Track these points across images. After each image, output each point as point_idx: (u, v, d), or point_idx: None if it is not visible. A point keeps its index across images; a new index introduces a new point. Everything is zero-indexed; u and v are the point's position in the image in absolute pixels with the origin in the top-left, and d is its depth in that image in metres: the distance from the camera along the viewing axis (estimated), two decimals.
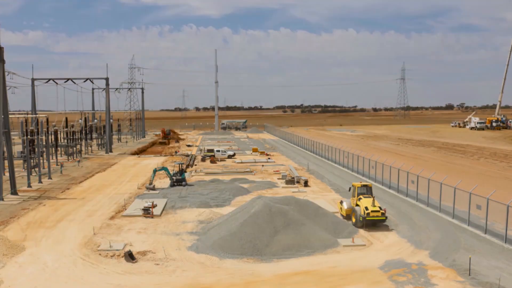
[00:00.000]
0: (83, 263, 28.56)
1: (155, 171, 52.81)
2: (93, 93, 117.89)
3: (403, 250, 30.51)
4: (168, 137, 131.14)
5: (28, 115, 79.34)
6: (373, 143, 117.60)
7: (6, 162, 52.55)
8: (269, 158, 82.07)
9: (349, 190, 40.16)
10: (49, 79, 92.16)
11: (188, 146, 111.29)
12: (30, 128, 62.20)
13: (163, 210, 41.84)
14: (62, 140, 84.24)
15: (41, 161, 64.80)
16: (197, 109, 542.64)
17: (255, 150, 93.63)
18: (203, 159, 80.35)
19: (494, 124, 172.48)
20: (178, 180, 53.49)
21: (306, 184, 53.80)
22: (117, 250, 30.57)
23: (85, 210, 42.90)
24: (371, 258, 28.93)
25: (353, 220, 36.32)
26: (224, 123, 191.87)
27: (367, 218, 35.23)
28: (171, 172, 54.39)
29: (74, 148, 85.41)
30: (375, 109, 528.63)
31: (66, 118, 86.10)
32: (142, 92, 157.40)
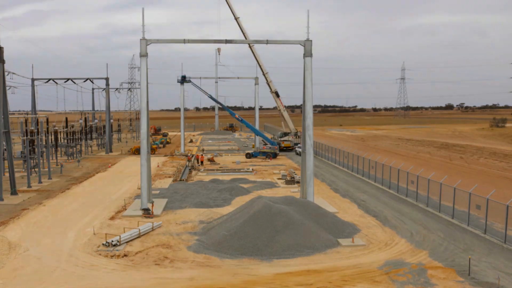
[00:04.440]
0: (83, 263, 28.57)
1: None
2: (93, 93, 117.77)
3: (403, 250, 30.54)
4: (158, 133, 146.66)
5: (28, 115, 79.37)
6: (373, 143, 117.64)
7: (6, 162, 52.54)
8: (270, 159, 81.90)
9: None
10: (49, 79, 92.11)
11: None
12: (30, 128, 62.24)
13: (163, 210, 41.88)
14: (62, 140, 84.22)
15: (41, 161, 64.82)
16: (197, 109, 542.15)
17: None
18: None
19: None
20: None
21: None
22: (117, 250, 30.61)
23: (85, 210, 42.91)
24: (371, 258, 28.96)
25: None
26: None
27: None
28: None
29: (74, 148, 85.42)
30: (375, 109, 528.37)
31: (66, 118, 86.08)
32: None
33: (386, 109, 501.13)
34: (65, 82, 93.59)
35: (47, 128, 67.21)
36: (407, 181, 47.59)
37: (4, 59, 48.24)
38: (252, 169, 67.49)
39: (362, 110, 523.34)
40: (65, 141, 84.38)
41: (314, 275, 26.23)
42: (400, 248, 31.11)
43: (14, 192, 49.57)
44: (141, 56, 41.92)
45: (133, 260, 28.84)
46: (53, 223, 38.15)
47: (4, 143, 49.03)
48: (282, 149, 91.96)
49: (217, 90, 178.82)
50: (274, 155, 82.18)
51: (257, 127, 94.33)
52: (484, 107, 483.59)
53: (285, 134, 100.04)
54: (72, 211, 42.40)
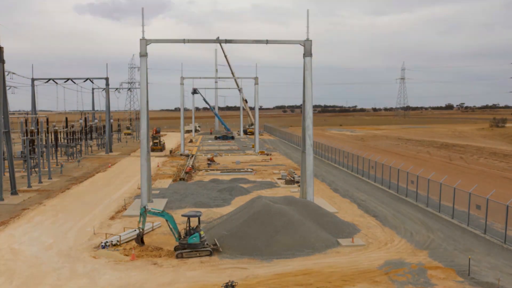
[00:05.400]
0: (83, 262, 28.58)
1: (143, 213, 31.46)
2: (93, 93, 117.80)
3: (403, 250, 30.56)
4: (158, 134, 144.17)
5: (28, 115, 79.39)
6: (373, 143, 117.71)
7: (6, 162, 52.54)
8: (270, 159, 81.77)
9: None
10: (49, 79, 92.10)
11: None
12: (30, 128, 62.22)
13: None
14: (62, 140, 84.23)
15: (41, 161, 64.82)
16: (197, 109, 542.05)
17: (253, 147, 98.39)
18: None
19: None
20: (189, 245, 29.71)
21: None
22: (117, 250, 30.62)
23: (85, 210, 42.92)
24: (371, 258, 28.97)
25: None
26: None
27: None
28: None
29: (74, 148, 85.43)
30: (375, 109, 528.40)
31: (66, 118, 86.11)
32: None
33: (386, 109, 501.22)
34: (65, 82, 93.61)
35: (47, 128, 67.23)
36: (407, 181, 47.59)
37: (4, 59, 48.22)
38: (252, 169, 67.50)
39: (362, 110, 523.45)
40: (65, 141, 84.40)
41: (314, 275, 26.24)
42: (400, 248, 31.12)
43: (14, 192, 49.56)
44: (141, 56, 41.91)
45: (132, 260, 28.86)
46: (53, 223, 38.16)
47: (4, 143, 49.03)
48: (247, 134, 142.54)
49: (217, 90, 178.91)
50: (232, 138, 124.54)
51: (257, 126, 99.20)
52: (484, 107, 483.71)
53: (250, 125, 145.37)
54: (72, 211, 42.40)
